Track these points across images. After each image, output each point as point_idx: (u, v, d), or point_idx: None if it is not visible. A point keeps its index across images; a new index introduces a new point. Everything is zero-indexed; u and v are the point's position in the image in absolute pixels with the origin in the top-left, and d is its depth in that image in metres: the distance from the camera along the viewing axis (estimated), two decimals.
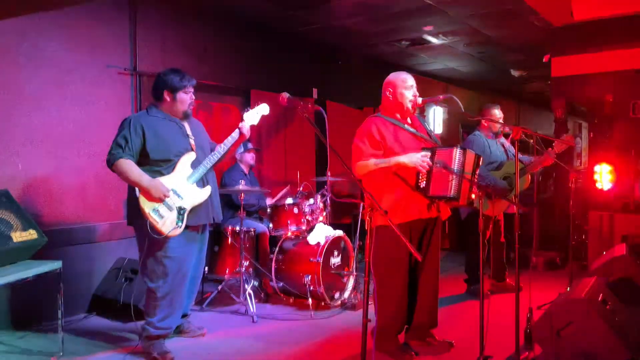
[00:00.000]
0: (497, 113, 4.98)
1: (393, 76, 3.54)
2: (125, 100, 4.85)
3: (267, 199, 5.48)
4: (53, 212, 4.33)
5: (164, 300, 3.48)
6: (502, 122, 4.99)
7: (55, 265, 3.49)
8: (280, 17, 5.93)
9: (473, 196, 3.40)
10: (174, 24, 5.30)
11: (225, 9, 5.68)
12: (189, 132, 3.62)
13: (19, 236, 3.45)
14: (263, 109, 3.87)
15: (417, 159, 3.28)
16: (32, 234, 3.54)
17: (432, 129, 3.72)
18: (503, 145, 5.03)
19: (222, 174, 5.34)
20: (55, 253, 3.78)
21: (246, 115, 3.80)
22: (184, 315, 3.90)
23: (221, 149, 3.61)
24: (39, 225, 3.67)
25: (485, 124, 5.01)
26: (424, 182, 3.30)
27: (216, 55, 5.76)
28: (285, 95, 2.68)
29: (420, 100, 3.50)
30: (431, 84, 9.52)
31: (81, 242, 4.50)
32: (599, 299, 3.16)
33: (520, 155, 4.84)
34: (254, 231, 5.01)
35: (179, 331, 3.89)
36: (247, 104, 5.81)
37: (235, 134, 3.65)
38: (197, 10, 5.51)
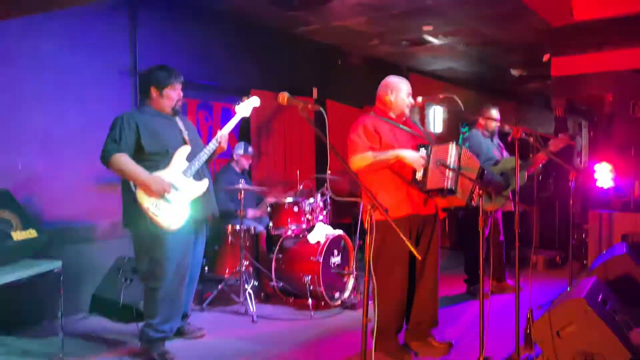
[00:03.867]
0: (495, 114, 5.00)
1: (396, 79, 3.60)
2: (125, 100, 4.85)
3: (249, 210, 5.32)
4: (53, 211, 4.33)
5: (164, 302, 3.46)
6: (499, 122, 5.01)
7: (55, 264, 3.49)
8: (280, 17, 5.93)
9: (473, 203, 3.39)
10: (174, 24, 5.30)
11: (225, 9, 5.68)
12: (181, 127, 3.61)
13: (19, 235, 3.44)
14: (254, 102, 3.92)
15: (416, 156, 3.31)
16: (32, 233, 3.54)
17: (432, 129, 3.75)
18: (498, 145, 5.05)
19: (215, 175, 5.34)
20: (55, 252, 3.78)
21: (238, 108, 3.86)
22: (184, 316, 3.89)
23: (203, 155, 3.59)
24: (39, 225, 3.66)
25: (482, 123, 5.04)
26: (421, 176, 3.32)
27: (216, 55, 5.76)
28: (285, 95, 2.68)
29: (420, 99, 3.55)
30: (431, 84, 9.52)
31: (81, 241, 4.51)
32: (599, 298, 3.16)
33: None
34: (254, 230, 5.01)
35: (178, 332, 3.86)
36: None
37: (213, 144, 3.63)
38: (197, 11, 5.51)
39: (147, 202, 3.30)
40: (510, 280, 5.19)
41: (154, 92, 3.53)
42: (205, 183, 3.57)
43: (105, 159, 3.32)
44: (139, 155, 3.38)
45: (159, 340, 3.50)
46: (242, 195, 4.65)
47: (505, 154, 5.01)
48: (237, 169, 5.34)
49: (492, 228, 5.00)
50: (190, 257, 3.60)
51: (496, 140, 5.08)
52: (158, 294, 3.44)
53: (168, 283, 3.45)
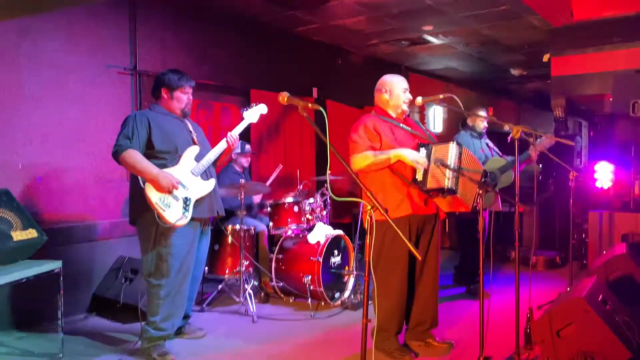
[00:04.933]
0: (482, 113, 5.05)
1: (389, 77, 3.62)
2: (125, 100, 4.85)
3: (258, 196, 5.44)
4: (53, 211, 4.34)
5: (166, 300, 3.48)
6: (487, 121, 5.05)
7: (55, 264, 3.49)
8: (280, 17, 5.93)
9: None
10: (174, 24, 5.30)
11: (225, 9, 5.68)
12: (190, 128, 3.70)
13: (19, 235, 3.44)
14: (262, 109, 4.03)
15: (417, 155, 3.32)
16: (32, 233, 3.54)
17: (432, 129, 3.76)
18: (488, 145, 5.08)
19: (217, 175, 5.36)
20: (55, 252, 3.78)
21: (246, 114, 3.95)
22: (186, 317, 3.89)
23: (211, 154, 3.66)
24: (39, 225, 3.66)
25: (470, 124, 5.08)
26: (421, 176, 3.32)
27: (216, 55, 5.76)
28: (285, 94, 2.68)
29: (420, 99, 3.54)
30: (431, 84, 9.52)
31: (81, 241, 4.51)
32: (599, 298, 3.16)
33: (504, 156, 4.90)
34: (254, 229, 5.01)
35: (179, 332, 3.87)
36: (247, 104, 5.81)
37: (222, 144, 3.72)
38: (197, 11, 5.51)
39: (155, 197, 3.34)
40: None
41: (164, 93, 3.63)
42: (212, 183, 3.64)
43: (118, 154, 3.38)
44: (149, 152, 3.46)
45: (160, 339, 3.51)
46: (242, 195, 4.65)
47: (493, 154, 5.04)
48: (237, 168, 5.35)
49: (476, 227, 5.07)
50: (194, 255, 3.63)
51: (485, 140, 5.11)
52: (161, 291, 3.46)
53: (171, 280, 3.48)
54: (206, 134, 5.57)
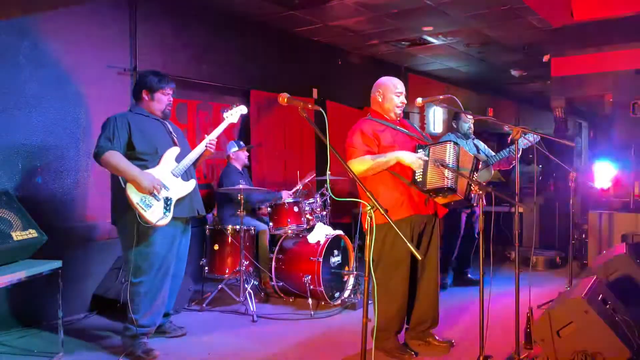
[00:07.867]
0: (465, 116, 5.15)
1: (384, 80, 3.62)
2: (125, 100, 4.84)
3: (283, 192, 5.36)
4: (53, 211, 4.33)
5: (146, 297, 3.51)
6: (471, 122, 5.17)
7: (55, 264, 3.49)
8: (280, 17, 5.94)
9: (472, 195, 3.41)
10: (174, 24, 5.30)
11: (225, 9, 5.69)
12: (170, 129, 3.72)
13: (19, 235, 3.45)
14: (241, 109, 4.01)
15: (415, 157, 3.32)
16: (32, 233, 3.54)
17: (432, 130, 3.77)
18: (477, 146, 5.11)
19: (219, 176, 5.36)
20: (55, 252, 3.77)
21: (226, 115, 3.96)
22: (166, 315, 3.88)
23: (192, 155, 3.67)
24: (39, 225, 3.66)
25: (454, 125, 5.19)
26: (420, 176, 3.33)
27: (216, 55, 5.76)
28: (285, 95, 2.68)
29: (420, 100, 3.54)
30: (431, 84, 9.52)
31: (81, 241, 4.51)
32: (599, 298, 3.17)
33: (491, 152, 5.01)
34: (254, 229, 5.01)
35: (160, 331, 3.85)
36: (247, 104, 5.81)
37: (201, 147, 3.73)
38: (197, 10, 5.52)
39: (136, 197, 3.37)
40: (473, 275, 5.42)
41: (145, 95, 3.65)
42: (192, 183, 3.67)
43: (99, 155, 3.41)
44: (130, 153, 3.48)
45: (142, 337, 3.53)
46: (242, 196, 4.66)
47: (482, 153, 5.07)
48: (238, 167, 5.35)
49: (468, 223, 5.19)
50: (174, 253, 3.66)
51: (472, 141, 5.14)
52: (141, 288, 3.49)
53: (152, 277, 3.51)
54: (205, 134, 5.59)
